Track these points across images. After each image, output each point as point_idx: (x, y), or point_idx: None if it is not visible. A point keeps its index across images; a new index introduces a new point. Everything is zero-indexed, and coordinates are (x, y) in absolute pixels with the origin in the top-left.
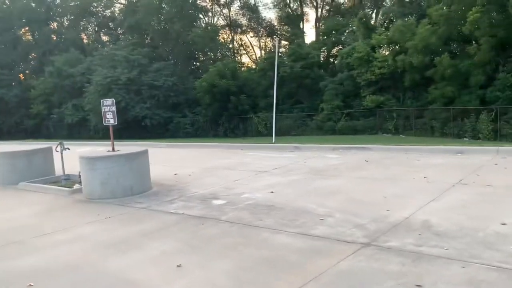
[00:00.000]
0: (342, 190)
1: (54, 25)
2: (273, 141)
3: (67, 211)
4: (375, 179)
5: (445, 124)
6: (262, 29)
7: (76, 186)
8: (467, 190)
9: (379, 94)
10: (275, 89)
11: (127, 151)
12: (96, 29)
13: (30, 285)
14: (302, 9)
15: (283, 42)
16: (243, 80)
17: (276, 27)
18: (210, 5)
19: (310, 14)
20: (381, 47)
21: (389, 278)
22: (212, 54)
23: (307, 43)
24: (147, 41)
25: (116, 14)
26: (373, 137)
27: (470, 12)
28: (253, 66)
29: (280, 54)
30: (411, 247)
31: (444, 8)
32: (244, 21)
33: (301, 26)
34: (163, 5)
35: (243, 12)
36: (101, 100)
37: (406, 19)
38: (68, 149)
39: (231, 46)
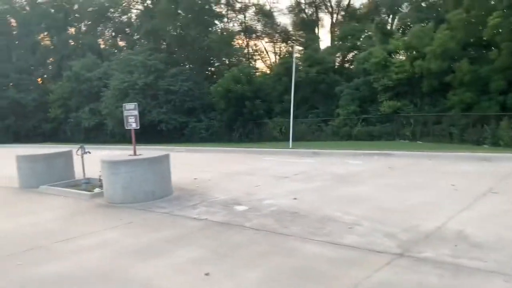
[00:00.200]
0: (368, 198)
1: (72, 30)
2: (290, 146)
3: (89, 216)
4: (401, 186)
5: (464, 131)
6: (277, 35)
7: (96, 190)
8: (499, 199)
9: (396, 99)
10: (292, 95)
11: (149, 155)
12: (113, 34)
13: None
14: (317, 14)
15: (298, 48)
16: (258, 85)
17: (291, 32)
18: (225, 11)
19: (325, 19)
20: (398, 52)
21: None
22: (227, 60)
23: (322, 48)
24: (163, 46)
25: (133, 20)
26: (392, 143)
27: (490, 17)
28: (268, 71)
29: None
30: (448, 258)
31: (464, 13)
32: (259, 26)
33: (316, 31)
34: (179, 11)
35: (258, 18)
36: (123, 104)
37: (423, 24)
38: (89, 152)
39: (246, 51)
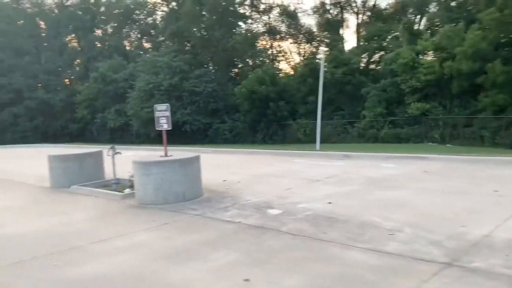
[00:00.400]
0: (407, 203)
1: (99, 32)
2: (318, 148)
3: (122, 216)
4: (440, 191)
5: (496, 134)
6: (301, 35)
7: (127, 191)
8: None
9: (425, 101)
10: (320, 96)
11: (180, 157)
12: (139, 36)
13: None
14: (342, 15)
15: (323, 48)
16: (282, 86)
17: (315, 33)
18: (249, 12)
19: (351, 20)
20: (426, 53)
21: None
22: (251, 61)
23: (347, 49)
24: (187, 48)
25: (158, 22)
26: (420, 146)
27: None
28: (291, 72)
29: (318, 60)
30: (501, 269)
31: (497, 12)
32: (283, 27)
33: (341, 32)
34: (203, 13)
35: (282, 19)
36: (155, 105)
37: (453, 24)
38: (120, 153)
39: (269, 52)
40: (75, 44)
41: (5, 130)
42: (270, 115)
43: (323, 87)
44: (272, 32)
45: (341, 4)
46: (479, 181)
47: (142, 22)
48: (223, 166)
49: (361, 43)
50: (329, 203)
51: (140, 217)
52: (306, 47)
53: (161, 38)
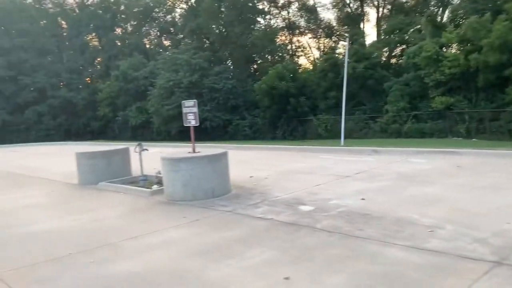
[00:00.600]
0: (443, 199)
1: (119, 30)
2: (342, 144)
3: (152, 213)
4: (477, 186)
5: None
6: (320, 30)
7: (154, 187)
8: None
9: (449, 95)
10: (344, 90)
11: (208, 153)
12: (158, 34)
13: None
14: (362, 8)
15: (343, 43)
16: (303, 82)
17: (335, 27)
18: (268, 8)
19: (371, 13)
20: (450, 46)
21: None
22: (270, 57)
23: (368, 43)
24: (206, 45)
25: (177, 19)
26: (445, 141)
27: None
28: (310, 68)
29: (341, 54)
30: None
31: None
32: (302, 22)
33: (362, 26)
34: (222, 9)
35: (301, 14)
36: (182, 102)
37: (479, 15)
38: (147, 149)
39: (289, 47)
40: (96, 43)
41: (30, 128)
42: (290, 111)
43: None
44: (291, 27)
45: None
46: None
47: (161, 20)
48: (247, 162)
49: (382, 37)
50: (362, 199)
51: (170, 214)
52: (326, 42)
53: (180, 36)
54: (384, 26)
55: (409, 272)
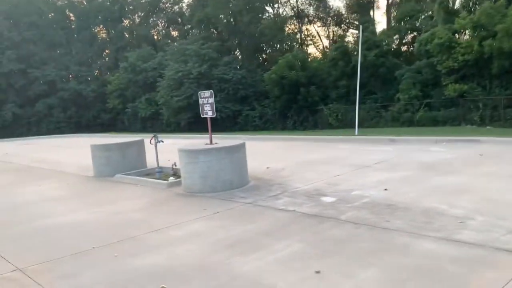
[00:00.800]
0: (470, 189)
1: (127, 22)
2: (356, 134)
3: (172, 205)
4: (503, 175)
5: None
6: (329, 18)
7: (171, 179)
8: None
9: (462, 82)
10: (358, 79)
11: (226, 144)
12: (166, 25)
13: (163, 287)
14: None
15: (352, 31)
16: (313, 71)
17: (344, 15)
18: None
19: (380, 1)
20: (463, 32)
21: None
22: (279, 46)
23: (379, 31)
24: (213, 35)
25: (184, 10)
26: (460, 129)
27: None
28: (320, 56)
29: (346, 43)
30: None
31: None
32: (311, 10)
33: (372, 13)
34: None
35: (309, 2)
36: (199, 92)
37: (493, 0)
38: (162, 141)
39: (298, 36)
40: (104, 35)
41: (40, 121)
42: (301, 100)
43: (355, 71)
44: (300, 15)
45: None
46: None
47: (168, 10)
48: (262, 153)
49: (393, 24)
50: (385, 189)
51: (190, 206)
52: (335, 30)
53: (188, 26)
54: (395, 13)
55: (446, 265)
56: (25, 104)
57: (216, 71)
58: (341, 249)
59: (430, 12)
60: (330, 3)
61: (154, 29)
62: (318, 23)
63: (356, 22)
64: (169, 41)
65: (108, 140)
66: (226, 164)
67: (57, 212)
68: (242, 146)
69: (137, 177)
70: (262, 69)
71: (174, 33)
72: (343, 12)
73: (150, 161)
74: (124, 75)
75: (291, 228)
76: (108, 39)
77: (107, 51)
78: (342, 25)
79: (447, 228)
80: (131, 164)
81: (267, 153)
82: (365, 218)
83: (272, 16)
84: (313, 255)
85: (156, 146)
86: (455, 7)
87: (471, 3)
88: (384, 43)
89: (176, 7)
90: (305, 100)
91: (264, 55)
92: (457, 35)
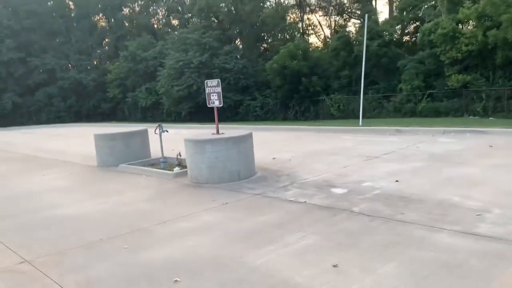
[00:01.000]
0: (484, 181)
1: (126, 11)
2: (360, 124)
3: (180, 196)
4: None
5: None
6: (331, 8)
7: (176, 169)
8: None
9: (466, 73)
10: (363, 69)
11: (233, 134)
12: (166, 13)
13: (176, 280)
14: None
15: (354, 21)
16: (315, 61)
17: (346, 4)
18: None
19: None
20: (467, 22)
21: None
22: (280, 35)
23: (381, 21)
24: (214, 24)
25: None
26: (463, 120)
27: None
28: (321, 46)
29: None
30: None
31: None
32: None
33: (374, 3)
34: None
35: None
36: (206, 81)
37: None
38: (167, 131)
39: (299, 26)
40: (104, 24)
41: (40, 110)
42: (302, 90)
43: (357, 61)
44: (301, 5)
45: None
46: None
47: None
48: (267, 144)
49: (395, 14)
50: (396, 181)
51: (198, 197)
52: (337, 20)
53: (189, 15)
54: (397, 3)
55: (466, 259)
56: (25, 93)
57: (217, 60)
58: (356, 242)
59: (433, 2)
60: None
61: (154, 17)
62: (320, 12)
63: (358, 12)
64: (169, 30)
65: (109, 130)
66: (233, 154)
67: (63, 202)
68: (249, 136)
69: (142, 167)
70: (264, 59)
71: (175, 22)
72: (345, 2)
73: (154, 151)
74: (124, 64)
75: (304, 220)
76: (108, 28)
77: (107, 39)
78: (344, 14)
79: (464, 221)
80: (135, 154)
81: (272, 143)
82: (379, 210)
83: (273, 5)
84: (328, 248)
85: (160, 136)
86: None
87: None
88: (386, 33)
89: None
90: (307, 90)
91: (265, 45)
92: (461, 25)
